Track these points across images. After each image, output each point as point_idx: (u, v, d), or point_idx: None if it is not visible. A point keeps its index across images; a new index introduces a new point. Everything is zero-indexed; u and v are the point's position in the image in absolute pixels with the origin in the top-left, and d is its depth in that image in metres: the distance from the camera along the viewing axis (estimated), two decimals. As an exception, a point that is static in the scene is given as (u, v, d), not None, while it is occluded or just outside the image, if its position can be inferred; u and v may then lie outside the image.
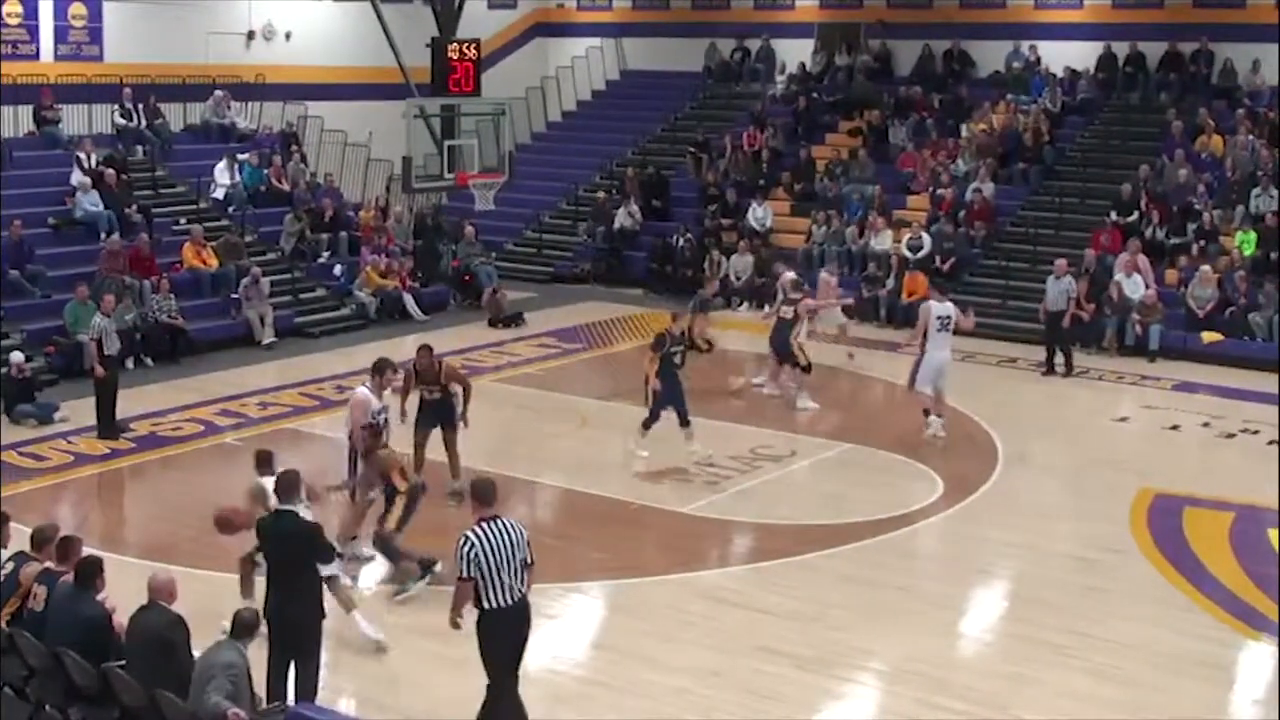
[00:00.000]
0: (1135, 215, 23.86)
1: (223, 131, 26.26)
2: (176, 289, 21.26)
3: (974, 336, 21.33)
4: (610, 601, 12.08)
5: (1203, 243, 22.91)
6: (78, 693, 8.34)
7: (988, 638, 11.62)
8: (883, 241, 24.95)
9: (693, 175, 29.15)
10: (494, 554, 8.57)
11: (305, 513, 9.81)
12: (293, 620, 9.18)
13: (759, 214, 26.75)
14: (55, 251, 21.56)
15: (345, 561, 11.70)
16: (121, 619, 8.70)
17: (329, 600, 9.81)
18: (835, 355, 20.59)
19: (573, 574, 12.05)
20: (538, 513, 14.34)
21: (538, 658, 9.02)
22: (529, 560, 8.77)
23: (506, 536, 8.65)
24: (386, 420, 12.91)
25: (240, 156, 25.19)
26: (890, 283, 23.84)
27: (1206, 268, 21.99)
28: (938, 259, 24.13)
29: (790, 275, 18.98)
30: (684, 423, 15.53)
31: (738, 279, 25.00)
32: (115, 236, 21.75)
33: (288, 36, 28.54)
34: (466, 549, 8.56)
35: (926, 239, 24.48)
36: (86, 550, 9.34)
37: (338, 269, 24.19)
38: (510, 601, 8.63)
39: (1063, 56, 28.41)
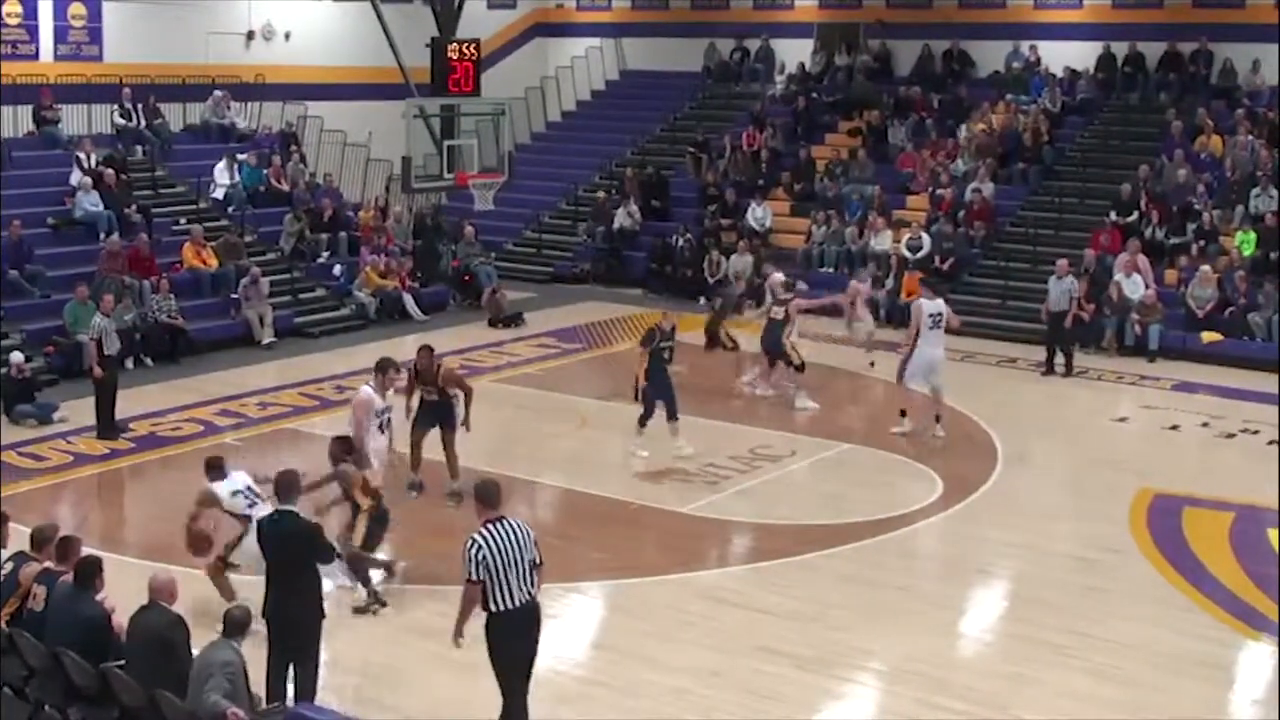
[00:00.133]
0: (1135, 215, 23.86)
1: (222, 131, 26.27)
2: (176, 289, 21.26)
3: (974, 336, 21.43)
4: (610, 601, 12.08)
5: (1202, 243, 22.91)
6: (77, 693, 8.33)
7: (988, 638, 11.62)
8: (882, 242, 24.95)
9: (692, 175, 29.16)
10: (501, 556, 8.51)
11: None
12: (292, 620, 9.17)
13: (758, 214, 26.75)
14: (55, 251, 21.56)
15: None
16: (121, 619, 8.71)
17: (328, 600, 9.81)
18: (837, 356, 20.59)
19: (573, 574, 12.03)
20: (538, 513, 14.33)
21: (538, 658, 9.00)
22: (537, 561, 8.71)
23: (514, 538, 8.60)
24: (389, 420, 12.86)
25: (239, 157, 25.19)
26: (890, 283, 23.83)
27: (1206, 268, 21.99)
28: (937, 259, 24.13)
29: (779, 276, 19.02)
30: (671, 417, 15.63)
31: (737, 279, 24.98)
32: (115, 236, 21.75)
33: (287, 36, 28.55)
34: (473, 551, 8.51)
35: (926, 239, 24.49)
36: (86, 550, 9.34)
37: (337, 269, 24.19)
38: (518, 603, 8.57)
39: (1062, 56, 28.42)
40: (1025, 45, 28.83)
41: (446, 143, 21.94)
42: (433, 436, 14.25)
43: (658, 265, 26.65)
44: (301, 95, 28.07)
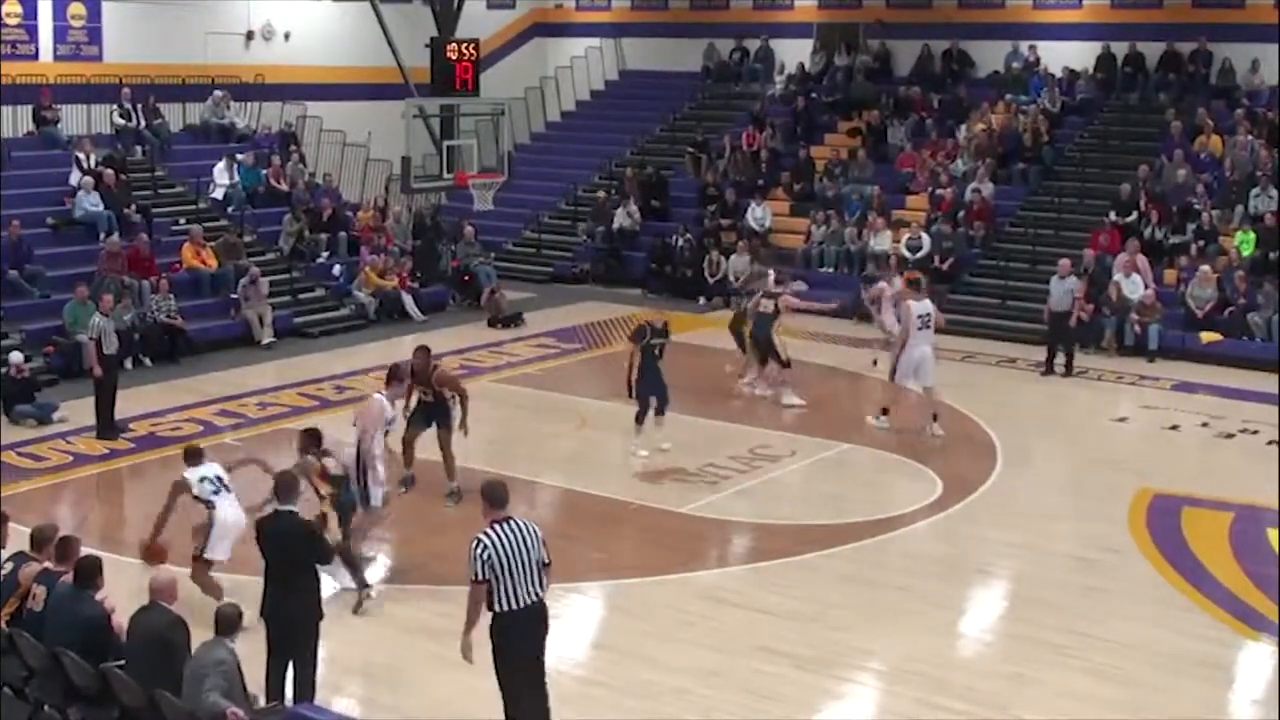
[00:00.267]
0: (1134, 215, 23.86)
1: (222, 131, 26.28)
2: (175, 289, 21.27)
3: (974, 336, 21.47)
4: (610, 601, 12.08)
5: (1202, 243, 22.91)
6: (77, 693, 8.33)
7: (988, 638, 11.62)
8: (882, 242, 24.95)
9: (692, 175, 29.16)
10: (507, 556, 8.47)
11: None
12: (290, 620, 9.18)
13: (758, 214, 26.75)
14: (54, 251, 21.56)
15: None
16: (120, 619, 8.70)
17: (327, 600, 9.82)
18: (836, 356, 20.60)
19: (573, 574, 12.01)
20: (538, 513, 14.29)
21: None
22: (546, 561, 8.68)
23: (521, 538, 8.56)
24: (391, 430, 12.81)
25: (239, 157, 25.19)
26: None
27: (1205, 268, 21.99)
28: (937, 259, 24.14)
29: (772, 272, 19.19)
30: (659, 412, 15.77)
31: (736, 279, 24.96)
32: (114, 236, 21.75)
33: (287, 37, 28.55)
34: (479, 551, 8.47)
35: (925, 239, 24.49)
36: (85, 550, 9.34)
37: (337, 269, 24.19)
38: (524, 604, 8.53)
39: (1062, 57, 28.43)
40: (1025, 45, 28.84)
41: (446, 143, 21.96)
42: (429, 438, 14.19)
43: (657, 265, 26.65)
44: (301, 95, 28.07)
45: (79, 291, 19.47)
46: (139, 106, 25.00)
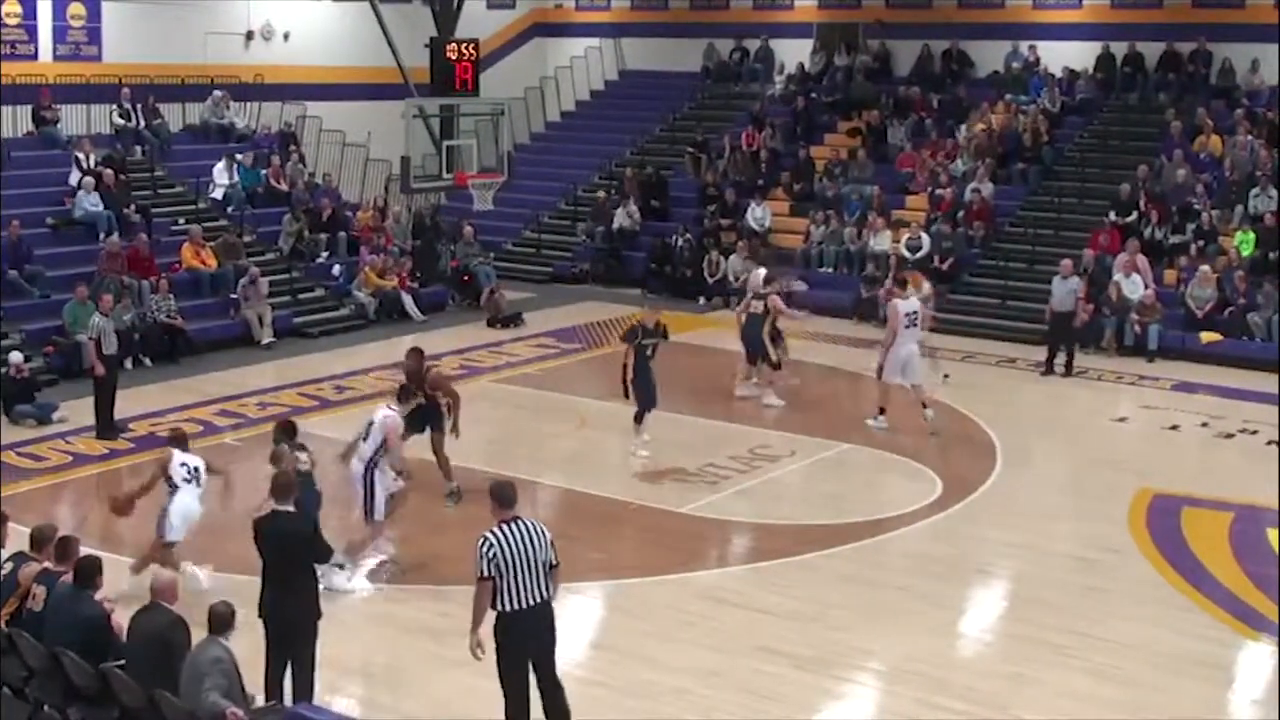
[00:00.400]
0: (1134, 215, 23.86)
1: (221, 131, 26.27)
2: (175, 289, 21.27)
3: (974, 336, 21.47)
4: (610, 601, 12.07)
5: (1201, 243, 22.91)
6: (77, 693, 8.32)
7: (987, 638, 11.62)
8: (881, 242, 24.95)
9: (691, 175, 29.15)
10: (513, 555, 8.51)
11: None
12: (289, 620, 9.18)
13: (758, 214, 26.75)
14: (54, 251, 21.55)
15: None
16: (120, 619, 8.70)
17: (325, 599, 9.82)
18: (835, 356, 20.59)
19: (572, 574, 11.88)
20: (538, 513, 14.23)
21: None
22: (553, 562, 8.70)
23: (527, 538, 8.59)
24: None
25: (238, 157, 25.19)
26: (889, 283, 23.75)
27: (1205, 268, 21.99)
28: (936, 259, 24.13)
29: (761, 271, 19.14)
30: (647, 410, 15.88)
31: (736, 279, 24.96)
32: (114, 237, 21.74)
33: (286, 37, 28.54)
34: (485, 549, 8.52)
35: (925, 239, 24.49)
36: (85, 550, 9.34)
37: (336, 269, 24.19)
38: (528, 604, 8.55)
39: (1061, 57, 28.42)
40: (1024, 45, 28.83)
41: (446, 143, 21.95)
42: (421, 440, 14.18)
43: (657, 265, 26.65)
44: (300, 95, 28.06)
45: (79, 291, 19.46)
46: (138, 106, 24.99)
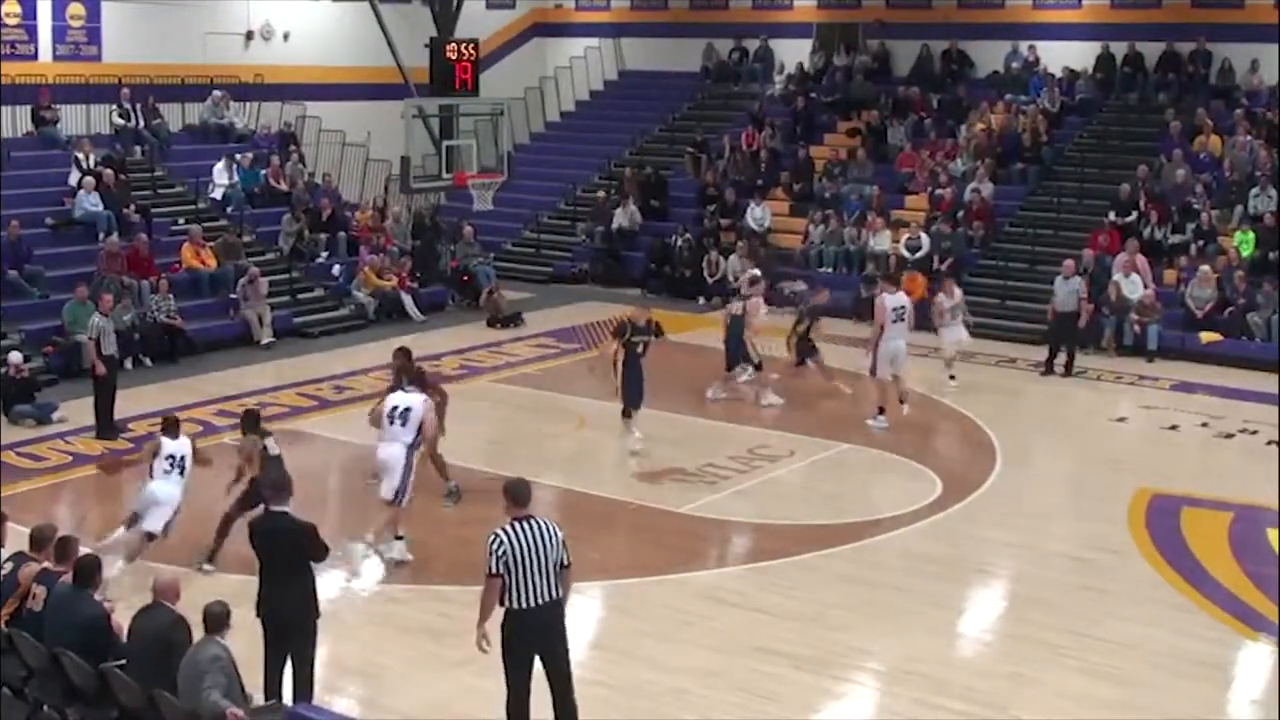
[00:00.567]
0: (1134, 215, 23.86)
1: (221, 132, 26.28)
2: (175, 289, 21.28)
3: (973, 336, 21.34)
4: (609, 601, 12.07)
5: (1201, 243, 22.92)
6: (76, 693, 8.33)
7: (986, 638, 11.62)
8: (881, 242, 24.95)
9: (691, 175, 29.15)
10: (522, 553, 8.52)
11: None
12: (288, 620, 9.18)
13: (757, 214, 26.74)
14: (54, 251, 21.56)
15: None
16: (119, 618, 8.70)
17: (325, 599, 9.82)
18: (834, 357, 20.53)
19: (572, 574, 12.02)
20: (537, 512, 14.30)
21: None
22: (565, 562, 8.71)
23: (539, 537, 8.61)
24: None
25: (238, 157, 25.19)
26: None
27: (1205, 268, 21.99)
28: (936, 259, 24.13)
29: (752, 272, 19.17)
30: (633, 406, 16.00)
31: (735, 279, 24.95)
32: (114, 237, 21.75)
33: (286, 37, 28.55)
34: (495, 546, 8.54)
35: (925, 239, 24.49)
36: (84, 550, 9.34)
37: (336, 269, 24.20)
38: (535, 603, 8.55)
39: (1061, 57, 28.42)
40: (1024, 45, 28.84)
41: (445, 143, 21.97)
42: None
43: (656, 265, 26.65)
44: (300, 95, 28.07)
45: (79, 291, 19.48)
46: (138, 106, 25.01)
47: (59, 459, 15.83)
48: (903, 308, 17.31)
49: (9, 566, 9.34)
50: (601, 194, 28.91)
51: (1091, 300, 21.32)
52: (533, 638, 8.65)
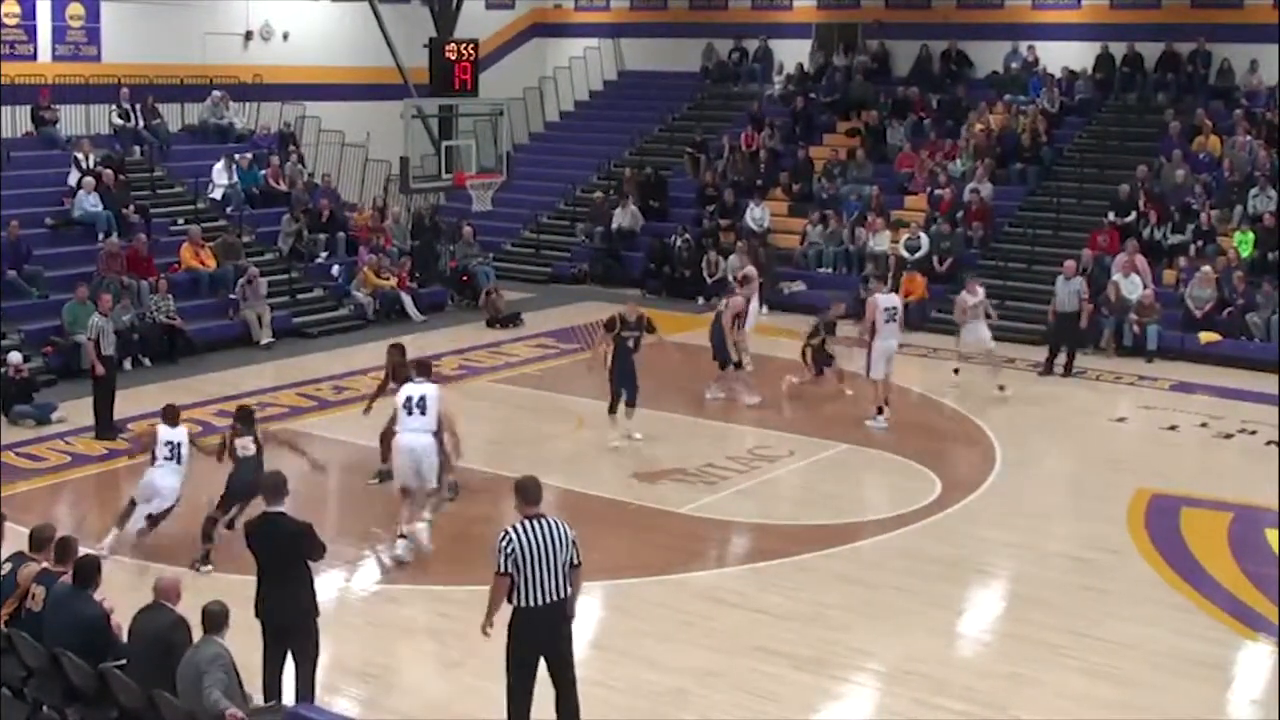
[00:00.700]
0: (1133, 215, 23.86)
1: (220, 132, 26.28)
2: (174, 289, 21.28)
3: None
4: (608, 601, 12.06)
5: (1200, 243, 22.92)
6: (75, 693, 8.33)
7: (986, 638, 11.62)
8: (880, 242, 24.95)
9: (690, 176, 29.16)
10: (531, 552, 8.52)
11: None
12: (287, 620, 9.18)
13: (757, 214, 26.74)
14: (53, 252, 21.56)
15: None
16: (119, 619, 8.70)
17: (325, 599, 9.82)
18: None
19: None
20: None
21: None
22: (574, 562, 8.71)
23: (549, 537, 8.62)
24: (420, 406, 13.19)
25: (237, 157, 25.19)
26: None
27: (1205, 268, 21.99)
28: (935, 259, 24.14)
29: (746, 270, 19.24)
30: (630, 404, 16.13)
31: (734, 279, 24.94)
32: (113, 237, 21.76)
33: (285, 37, 28.55)
34: (504, 544, 8.55)
35: (924, 239, 24.49)
36: (84, 550, 9.34)
37: (335, 269, 24.20)
38: (543, 602, 8.55)
39: (1060, 57, 28.43)
40: (1023, 46, 28.84)
41: (445, 143, 21.98)
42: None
43: (656, 266, 26.65)
44: (299, 95, 28.07)
45: (78, 292, 19.48)
46: (138, 107, 25.02)
47: (58, 459, 15.82)
48: (895, 308, 17.42)
49: (8, 567, 9.33)
50: (601, 194, 28.90)
51: (1091, 300, 21.35)
52: (539, 636, 8.66)
